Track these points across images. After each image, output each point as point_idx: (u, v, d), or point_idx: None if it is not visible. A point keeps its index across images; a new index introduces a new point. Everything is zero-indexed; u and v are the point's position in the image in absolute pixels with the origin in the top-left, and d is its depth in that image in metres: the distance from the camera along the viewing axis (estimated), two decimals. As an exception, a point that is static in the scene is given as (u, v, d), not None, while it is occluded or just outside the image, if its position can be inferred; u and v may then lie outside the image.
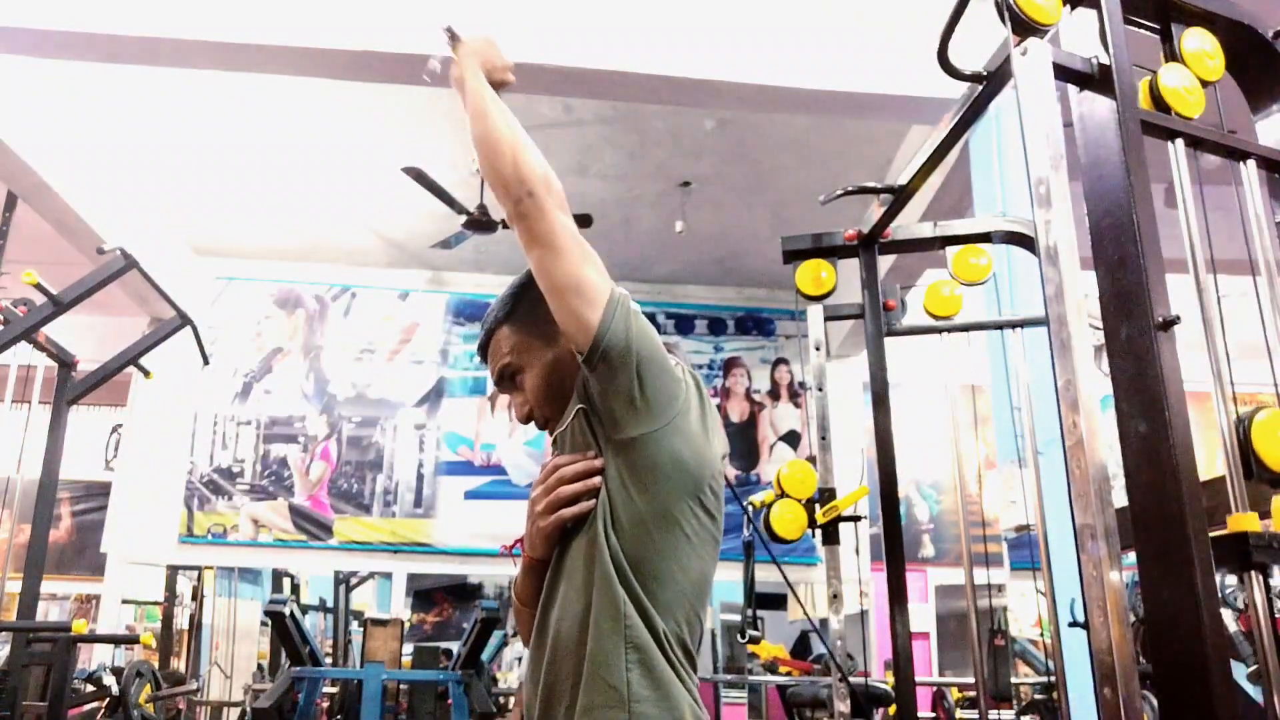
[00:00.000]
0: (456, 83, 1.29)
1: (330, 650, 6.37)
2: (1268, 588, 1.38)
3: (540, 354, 1.29)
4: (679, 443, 1.18)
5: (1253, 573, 1.36)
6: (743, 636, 3.00)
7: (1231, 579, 4.28)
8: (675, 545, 1.17)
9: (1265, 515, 1.40)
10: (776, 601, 7.70)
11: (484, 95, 1.24)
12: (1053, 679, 2.79)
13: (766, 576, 3.34)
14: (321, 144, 5.78)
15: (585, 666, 1.11)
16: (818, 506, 2.57)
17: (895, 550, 2.46)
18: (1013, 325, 2.81)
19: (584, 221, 5.07)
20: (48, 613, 7.97)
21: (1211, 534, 1.29)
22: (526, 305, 1.30)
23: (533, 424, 1.32)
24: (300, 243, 7.13)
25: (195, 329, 4.65)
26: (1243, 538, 1.33)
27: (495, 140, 1.19)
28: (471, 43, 1.31)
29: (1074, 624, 2.46)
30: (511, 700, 6.13)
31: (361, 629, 5.52)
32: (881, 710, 4.53)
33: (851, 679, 2.49)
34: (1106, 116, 1.45)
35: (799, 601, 2.51)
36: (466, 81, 1.26)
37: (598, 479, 1.18)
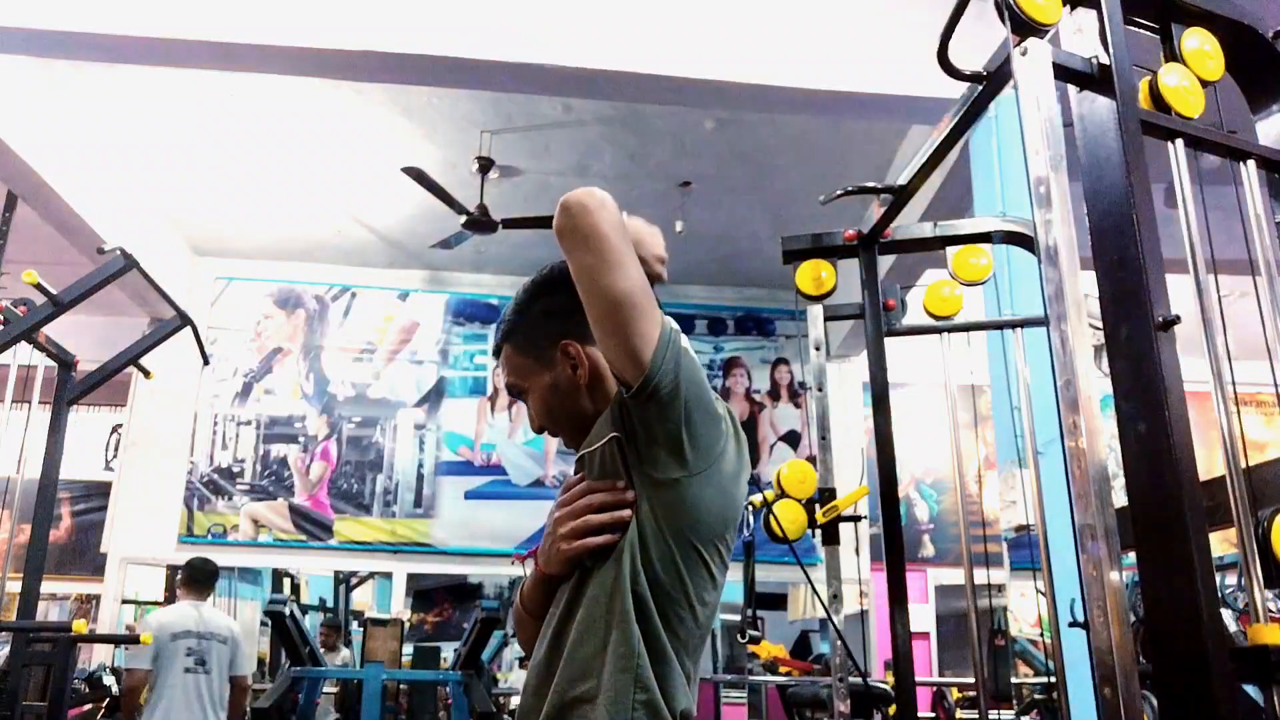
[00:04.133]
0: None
1: (330, 650, 6.37)
2: None
3: (537, 377, 1.27)
4: (712, 489, 1.18)
5: (1275, 688, 1.33)
6: (743, 636, 3.01)
7: (1231, 580, 4.28)
8: (699, 582, 1.17)
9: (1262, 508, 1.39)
10: (776, 601, 7.71)
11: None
12: (1053, 679, 2.79)
13: (767, 576, 3.35)
14: (321, 144, 5.78)
15: (599, 695, 1.11)
16: (818, 506, 2.57)
17: (895, 550, 2.46)
18: (1013, 325, 2.81)
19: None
20: (48, 613, 7.96)
21: (1233, 647, 1.25)
22: (525, 328, 1.29)
23: (541, 432, 1.34)
24: (300, 243, 7.12)
25: (195, 329, 4.65)
26: (1264, 652, 1.30)
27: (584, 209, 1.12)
28: (634, 221, 1.25)
29: (1074, 624, 2.46)
30: (513, 700, 6.13)
31: (361, 629, 5.52)
32: (881, 710, 4.53)
33: (851, 679, 2.49)
34: (1106, 116, 1.45)
35: (818, 596, 2.51)
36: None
37: (626, 512, 1.16)
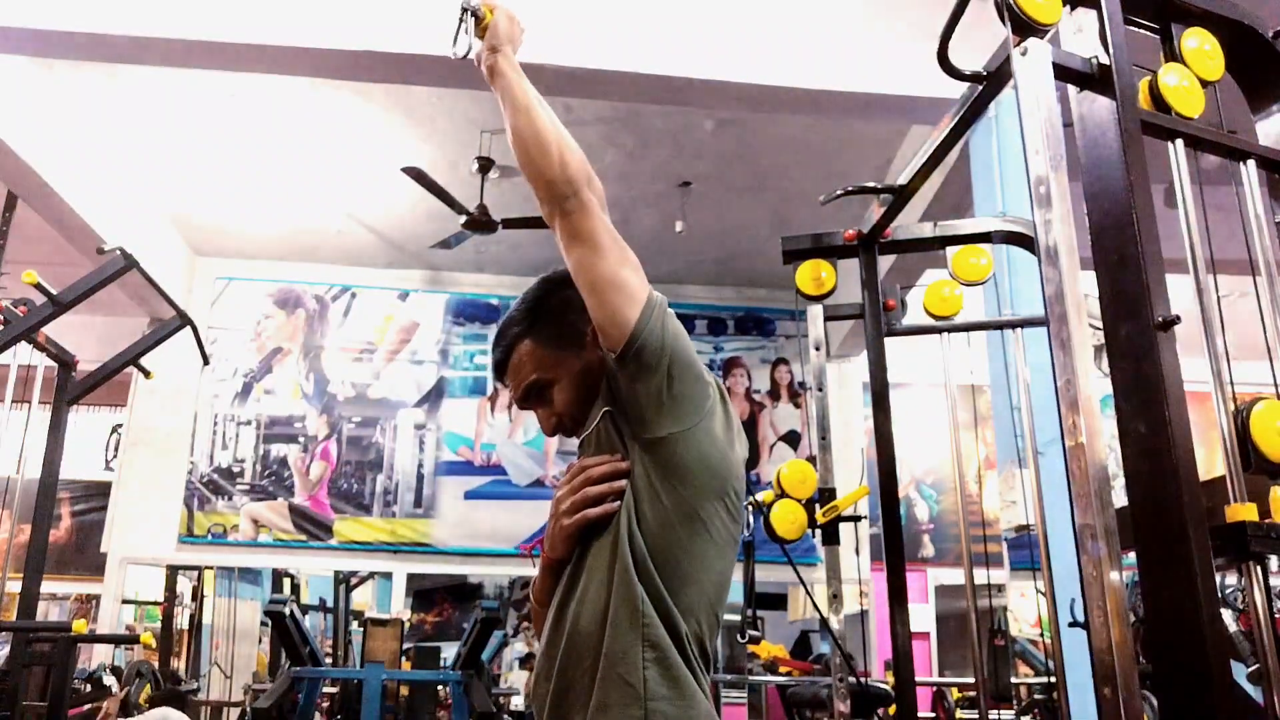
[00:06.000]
0: (488, 70, 1.26)
1: (330, 650, 6.37)
2: (1266, 578, 1.38)
3: (570, 364, 1.27)
4: (706, 444, 1.19)
5: (1251, 563, 1.36)
6: (743, 636, 3.01)
7: (1231, 579, 4.28)
8: (701, 545, 1.18)
9: (1265, 515, 1.40)
10: (776, 601, 7.71)
11: (526, 88, 1.24)
12: (1053, 679, 2.79)
13: (767, 576, 3.35)
14: (321, 144, 5.77)
15: (602, 663, 1.11)
16: (818, 506, 2.57)
17: (895, 550, 2.46)
18: (1013, 325, 2.82)
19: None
20: (48, 613, 7.97)
21: (1210, 525, 1.29)
22: (547, 316, 1.29)
23: (558, 433, 1.31)
24: (300, 243, 7.12)
25: (195, 329, 4.65)
26: (1241, 528, 1.33)
27: (541, 137, 1.19)
28: (499, 23, 1.27)
29: (1074, 624, 2.46)
30: (514, 700, 6.13)
31: (361, 629, 5.52)
32: (881, 710, 4.53)
33: (850, 679, 2.49)
34: (1106, 116, 1.45)
35: (813, 600, 2.51)
36: (503, 71, 1.24)
37: (623, 481, 1.18)
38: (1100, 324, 1.40)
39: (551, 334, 1.28)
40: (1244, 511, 1.35)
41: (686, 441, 1.17)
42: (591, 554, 1.18)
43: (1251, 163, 1.65)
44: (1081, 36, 1.53)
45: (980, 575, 2.87)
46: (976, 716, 3.44)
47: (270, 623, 5.06)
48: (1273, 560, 1.57)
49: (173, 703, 4.78)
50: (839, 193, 2.54)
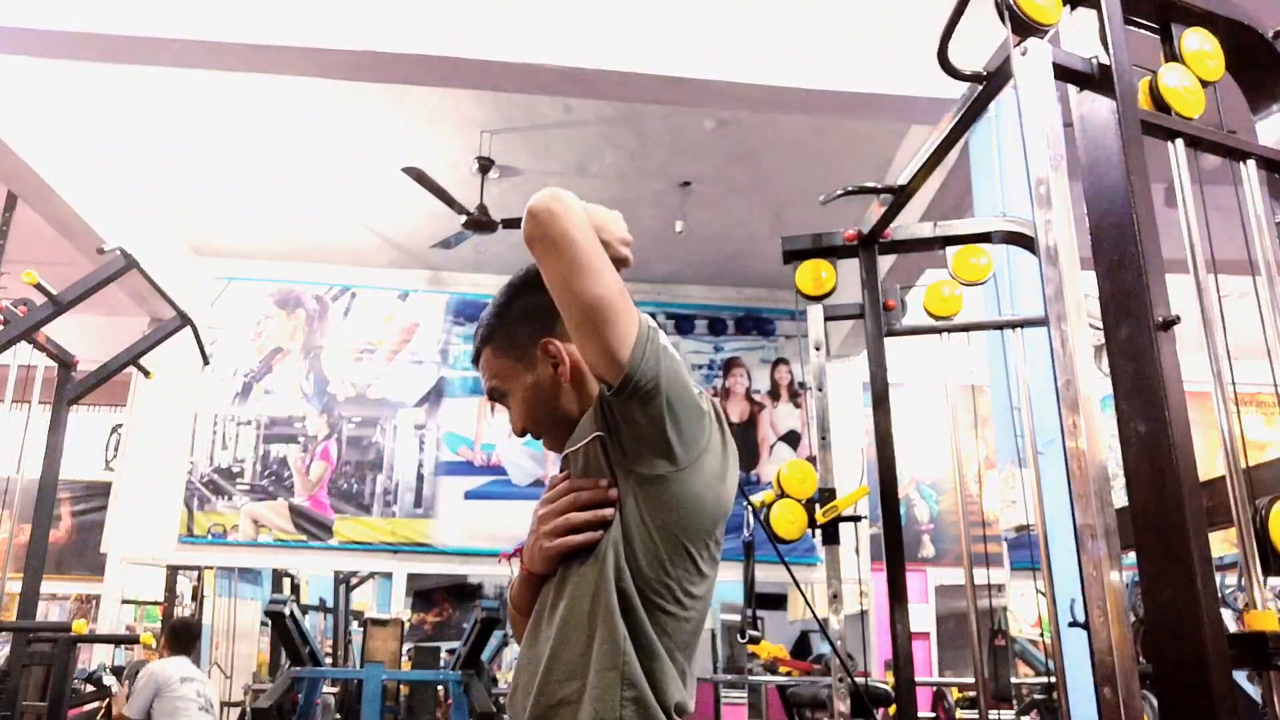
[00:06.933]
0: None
1: (330, 650, 6.37)
2: None
3: (520, 378, 1.26)
4: (700, 484, 1.16)
5: (1272, 674, 1.34)
6: (743, 636, 3.01)
7: (1231, 579, 4.28)
8: (686, 577, 1.16)
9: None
10: (776, 601, 7.71)
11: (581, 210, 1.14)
12: (1053, 679, 2.79)
13: (767, 576, 3.35)
14: (321, 144, 5.78)
15: (583, 697, 1.10)
16: (818, 506, 2.57)
17: (895, 550, 2.46)
18: (1013, 325, 2.81)
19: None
20: (48, 613, 7.96)
21: (1230, 632, 1.26)
22: (505, 329, 1.27)
23: (524, 435, 1.31)
24: (300, 243, 7.12)
25: (195, 329, 4.65)
26: (1261, 638, 1.30)
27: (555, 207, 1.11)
28: (593, 208, 1.21)
29: (1074, 624, 2.46)
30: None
31: (361, 629, 5.52)
32: (881, 710, 4.53)
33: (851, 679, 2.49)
34: (1106, 116, 1.45)
35: (806, 601, 2.51)
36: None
37: (610, 511, 1.16)
38: (1100, 324, 1.40)
39: (506, 344, 1.27)
40: (1264, 620, 1.31)
41: (682, 482, 1.15)
42: (573, 579, 1.16)
43: (1251, 163, 1.65)
44: (1081, 36, 1.53)
45: (980, 575, 2.86)
46: (976, 716, 3.44)
47: (270, 623, 5.06)
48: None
49: (183, 635, 4.71)
50: (839, 193, 2.54)
